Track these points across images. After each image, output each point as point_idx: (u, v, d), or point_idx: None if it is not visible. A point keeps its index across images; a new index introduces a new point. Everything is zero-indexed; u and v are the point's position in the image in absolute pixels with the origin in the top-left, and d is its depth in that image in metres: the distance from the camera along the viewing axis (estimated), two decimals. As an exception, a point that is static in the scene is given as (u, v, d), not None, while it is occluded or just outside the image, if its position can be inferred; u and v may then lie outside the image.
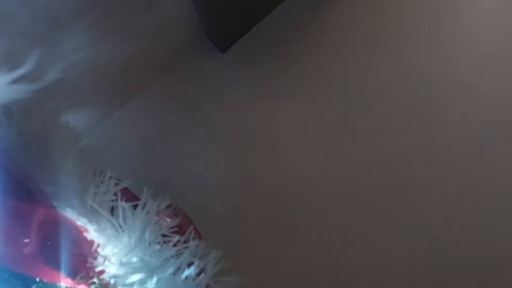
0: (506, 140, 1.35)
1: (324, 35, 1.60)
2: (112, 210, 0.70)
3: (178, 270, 0.61)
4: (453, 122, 1.40)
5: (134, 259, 0.62)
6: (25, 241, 0.64)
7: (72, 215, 0.67)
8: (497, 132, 1.36)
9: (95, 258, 0.63)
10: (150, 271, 0.62)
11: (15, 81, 0.66)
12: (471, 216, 1.28)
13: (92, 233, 0.65)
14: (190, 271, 0.61)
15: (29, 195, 0.68)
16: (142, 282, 0.62)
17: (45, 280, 0.65)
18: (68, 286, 0.66)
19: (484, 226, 1.26)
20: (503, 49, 1.47)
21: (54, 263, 0.65)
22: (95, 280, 0.64)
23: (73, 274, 0.65)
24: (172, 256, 0.62)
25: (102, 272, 0.64)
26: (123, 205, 0.66)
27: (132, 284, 0.63)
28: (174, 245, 0.63)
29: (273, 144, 1.48)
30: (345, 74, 1.53)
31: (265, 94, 1.56)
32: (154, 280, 0.61)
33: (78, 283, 0.65)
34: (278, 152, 1.47)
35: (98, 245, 0.66)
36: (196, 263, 0.62)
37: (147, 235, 0.63)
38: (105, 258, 0.62)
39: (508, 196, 1.29)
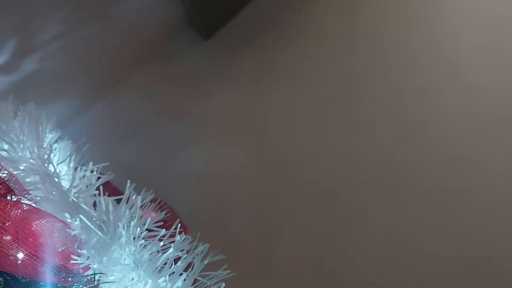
0: (497, 129, 1.35)
1: (309, 20, 1.59)
2: (95, 205, 0.69)
3: (165, 265, 0.60)
4: (443, 109, 1.40)
5: (119, 255, 0.61)
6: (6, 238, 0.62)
7: (53, 210, 0.65)
8: (488, 122, 1.37)
9: (79, 254, 0.62)
10: (135, 266, 0.61)
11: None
12: (464, 211, 1.28)
13: (75, 228, 0.63)
14: (177, 266, 0.60)
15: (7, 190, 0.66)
16: (127, 277, 0.61)
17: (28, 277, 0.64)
18: (52, 283, 0.64)
19: (479, 223, 1.26)
20: (492, 34, 1.48)
21: (37, 260, 0.63)
22: (79, 276, 0.62)
23: (57, 271, 0.64)
24: (158, 251, 0.61)
25: (86, 268, 0.63)
26: (106, 200, 0.64)
27: (117, 279, 0.61)
28: (160, 240, 0.62)
29: (259, 132, 1.47)
30: (332, 60, 1.53)
31: (250, 81, 1.55)
32: (140, 275, 0.60)
33: (62, 280, 0.64)
34: (265, 141, 1.46)
35: (81, 241, 0.64)
36: (183, 257, 0.61)
37: (131, 229, 0.62)
38: (89, 254, 0.61)
39: (504, 191, 1.28)
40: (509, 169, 1.30)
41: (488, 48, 1.45)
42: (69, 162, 0.75)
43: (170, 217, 0.67)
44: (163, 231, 0.63)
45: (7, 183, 0.66)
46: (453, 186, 1.31)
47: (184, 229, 0.66)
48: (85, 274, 0.62)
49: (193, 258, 0.63)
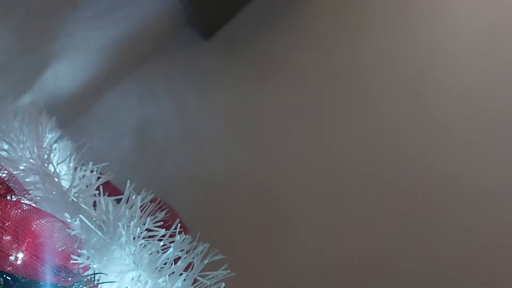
0: (498, 129, 1.35)
1: (309, 20, 1.59)
2: (95, 205, 0.69)
3: (165, 265, 0.60)
4: (439, 107, 1.40)
5: (119, 255, 0.61)
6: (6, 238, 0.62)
7: (53, 210, 0.65)
8: (488, 122, 1.37)
9: (79, 254, 0.62)
10: (135, 266, 0.61)
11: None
12: (462, 212, 1.28)
13: (75, 228, 0.64)
14: (177, 266, 0.60)
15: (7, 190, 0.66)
16: (127, 277, 0.61)
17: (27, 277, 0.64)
18: (52, 283, 0.64)
19: (479, 224, 1.26)
20: (487, 30, 1.48)
21: (37, 260, 0.63)
22: (79, 276, 0.62)
23: (56, 271, 0.64)
24: (158, 251, 0.61)
25: (86, 268, 0.63)
26: (106, 199, 0.64)
27: (117, 279, 0.61)
28: (160, 240, 0.62)
29: (258, 131, 1.47)
30: (331, 59, 1.53)
31: (250, 81, 1.55)
32: (140, 275, 0.60)
33: (62, 280, 0.64)
34: (265, 141, 1.46)
35: (81, 241, 0.64)
36: (183, 257, 0.61)
37: (131, 229, 0.62)
38: (89, 254, 0.61)
39: (502, 192, 1.28)
40: (508, 169, 1.30)
41: (488, 48, 1.45)
42: (69, 162, 0.75)
43: (170, 217, 0.67)
44: (163, 231, 0.63)
45: (7, 183, 0.66)
46: (451, 187, 1.31)
47: (184, 229, 0.66)
48: (85, 274, 0.62)
49: (193, 258, 0.63)
